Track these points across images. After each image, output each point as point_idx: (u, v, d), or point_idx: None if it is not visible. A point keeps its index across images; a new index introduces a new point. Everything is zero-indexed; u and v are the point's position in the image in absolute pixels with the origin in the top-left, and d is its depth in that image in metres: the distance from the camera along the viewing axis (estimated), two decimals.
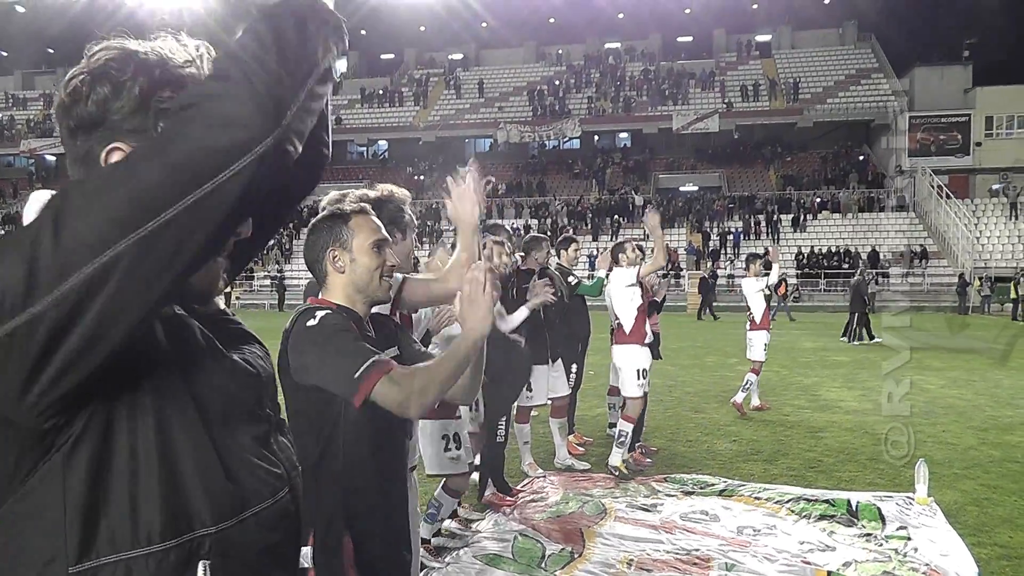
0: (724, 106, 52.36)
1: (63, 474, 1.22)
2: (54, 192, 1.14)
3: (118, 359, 1.16)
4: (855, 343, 20.99)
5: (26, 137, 61.60)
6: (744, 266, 12.23)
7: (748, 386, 11.00)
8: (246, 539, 1.37)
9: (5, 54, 67.03)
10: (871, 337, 21.09)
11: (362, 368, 2.33)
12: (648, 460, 8.46)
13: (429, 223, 49.85)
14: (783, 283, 33.31)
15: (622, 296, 7.95)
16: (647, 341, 7.97)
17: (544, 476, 7.62)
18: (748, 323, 11.24)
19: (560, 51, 62.60)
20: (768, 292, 11.17)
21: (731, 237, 44.70)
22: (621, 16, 57.66)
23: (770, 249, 12.32)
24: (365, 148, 63.28)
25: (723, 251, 44.20)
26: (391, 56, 66.06)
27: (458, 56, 64.85)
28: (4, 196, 61.64)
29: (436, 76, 62.92)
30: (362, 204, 2.79)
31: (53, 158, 64.18)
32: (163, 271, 1.12)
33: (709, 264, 41.52)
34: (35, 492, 1.22)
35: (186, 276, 1.16)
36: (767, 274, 11.23)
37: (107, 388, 1.23)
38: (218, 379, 1.38)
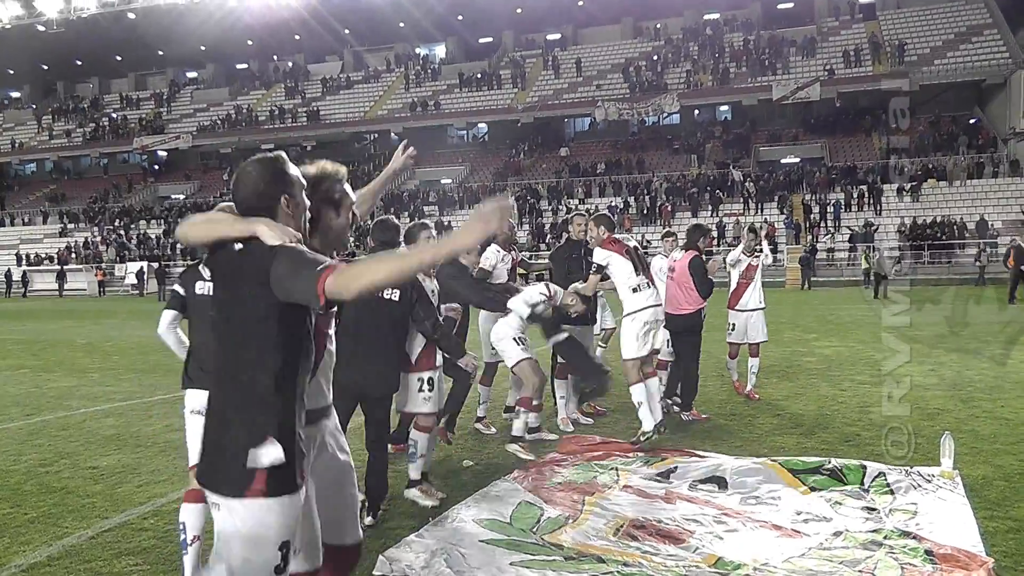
0: (825, 73, 50.87)
1: None
2: None
3: None
4: None
5: (139, 135, 64.60)
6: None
7: (730, 367, 10.67)
8: None
9: (119, 58, 70.27)
10: None
11: (318, 268, 2.78)
12: (704, 416, 9.21)
13: (530, 201, 50.14)
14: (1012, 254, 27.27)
15: None
16: None
17: (572, 439, 7.93)
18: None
19: (658, 25, 61.87)
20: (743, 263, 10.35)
21: (831, 209, 43.60)
22: None
23: (767, 227, 11.66)
24: (465, 132, 64.00)
25: (823, 224, 43.14)
26: (489, 39, 66.39)
27: (556, 36, 64.83)
28: (120, 190, 64.97)
29: (534, 57, 62.97)
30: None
31: (164, 154, 67.29)
32: None
33: (809, 238, 40.66)
34: None
35: None
36: (760, 250, 10.55)
37: None
38: None
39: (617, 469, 6.93)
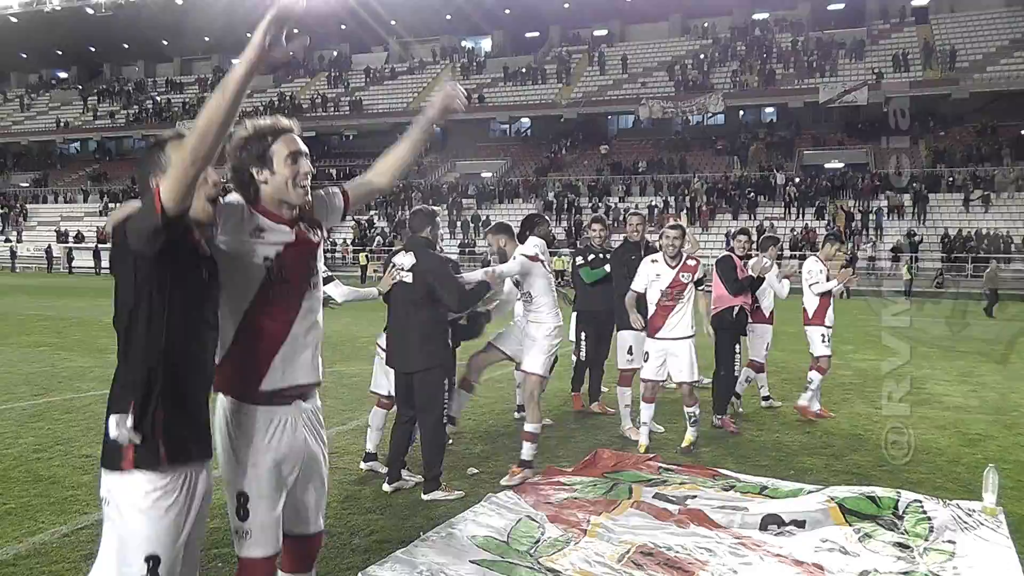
0: (873, 77, 49.61)
1: None
2: None
3: None
4: None
5: (182, 119, 65.06)
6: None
7: (812, 387, 9.60)
8: None
9: (166, 43, 70.87)
10: None
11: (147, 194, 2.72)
12: (734, 428, 8.91)
13: (569, 197, 49.72)
14: None
15: None
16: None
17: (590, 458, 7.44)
18: (802, 316, 9.88)
19: (706, 24, 61.00)
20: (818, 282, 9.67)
21: (873, 217, 42.58)
22: None
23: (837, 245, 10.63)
24: (508, 126, 63.66)
25: (865, 232, 42.20)
26: (536, 34, 66.00)
27: (603, 32, 64.22)
28: None
29: (580, 53, 62.43)
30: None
31: None
32: None
33: (849, 246, 39.74)
34: None
35: None
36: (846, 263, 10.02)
37: None
38: None
39: (630, 484, 6.52)
